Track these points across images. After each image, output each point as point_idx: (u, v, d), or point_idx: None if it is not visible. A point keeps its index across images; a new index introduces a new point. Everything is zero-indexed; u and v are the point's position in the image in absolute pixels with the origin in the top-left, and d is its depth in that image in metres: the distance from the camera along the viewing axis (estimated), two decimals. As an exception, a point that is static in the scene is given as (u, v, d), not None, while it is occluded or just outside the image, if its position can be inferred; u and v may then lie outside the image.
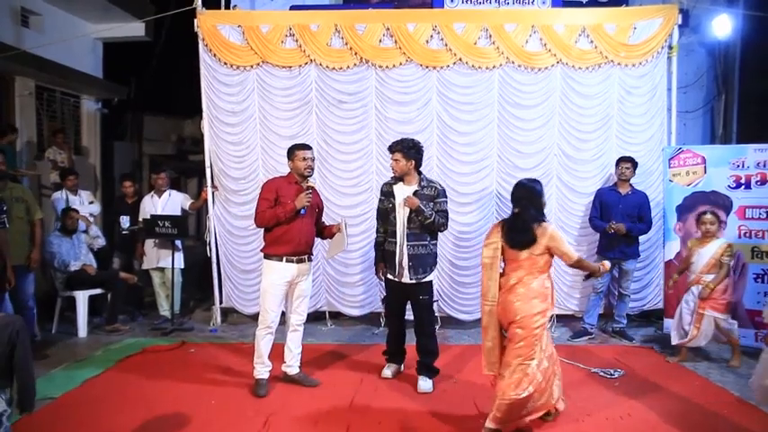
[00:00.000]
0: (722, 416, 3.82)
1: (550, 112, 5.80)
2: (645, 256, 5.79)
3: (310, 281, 4.41)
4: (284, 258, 4.10)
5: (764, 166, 5.25)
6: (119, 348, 5.21)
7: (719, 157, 5.44)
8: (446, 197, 4.33)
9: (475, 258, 5.87)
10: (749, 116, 7.03)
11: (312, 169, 4.23)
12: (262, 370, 4.17)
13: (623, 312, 5.66)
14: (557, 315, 5.95)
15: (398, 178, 4.27)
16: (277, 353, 4.28)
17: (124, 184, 6.70)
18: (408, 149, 4.18)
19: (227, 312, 6.23)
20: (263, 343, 4.15)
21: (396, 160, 4.20)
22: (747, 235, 5.21)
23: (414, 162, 4.21)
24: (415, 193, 4.16)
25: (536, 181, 3.67)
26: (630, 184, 5.49)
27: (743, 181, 5.30)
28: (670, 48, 5.82)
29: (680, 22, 5.81)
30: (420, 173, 4.31)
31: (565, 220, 5.89)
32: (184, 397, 4.06)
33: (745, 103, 7.04)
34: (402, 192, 4.23)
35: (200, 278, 7.01)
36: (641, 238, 5.58)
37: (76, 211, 6.03)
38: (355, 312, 6.00)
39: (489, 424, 3.36)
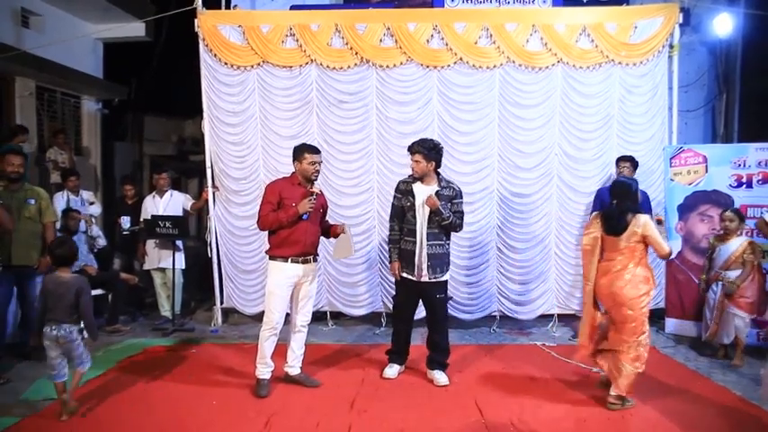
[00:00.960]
0: (724, 415, 3.81)
1: (551, 112, 5.79)
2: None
3: (315, 282, 4.39)
4: (290, 259, 4.07)
5: (766, 164, 5.24)
6: (120, 349, 5.21)
7: (721, 156, 5.43)
8: (462, 198, 4.37)
9: (476, 258, 5.87)
10: (750, 115, 7.03)
11: (318, 173, 4.23)
12: (264, 370, 4.15)
13: (625, 312, 5.64)
14: (558, 315, 5.96)
15: (417, 178, 4.27)
16: (278, 353, 4.26)
17: (125, 187, 6.72)
18: (429, 150, 4.19)
19: (228, 313, 6.23)
20: (267, 344, 4.12)
21: (416, 161, 4.20)
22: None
23: (434, 163, 4.23)
24: (436, 194, 4.18)
25: (634, 180, 4.20)
26: (631, 184, 5.47)
27: (744, 180, 5.29)
28: (671, 47, 5.81)
29: (681, 20, 5.79)
30: (438, 173, 4.32)
31: (566, 220, 5.88)
32: (185, 397, 4.06)
33: (746, 102, 7.03)
34: (422, 191, 4.24)
35: (200, 278, 7.01)
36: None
37: (78, 212, 6.03)
38: (357, 312, 5.99)
39: (615, 392, 3.85)
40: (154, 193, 6.25)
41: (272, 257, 4.12)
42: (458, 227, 4.31)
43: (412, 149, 4.23)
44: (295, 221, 4.04)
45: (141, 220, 6.14)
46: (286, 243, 4.06)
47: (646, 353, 3.86)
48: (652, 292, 3.91)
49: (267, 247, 4.18)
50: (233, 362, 4.82)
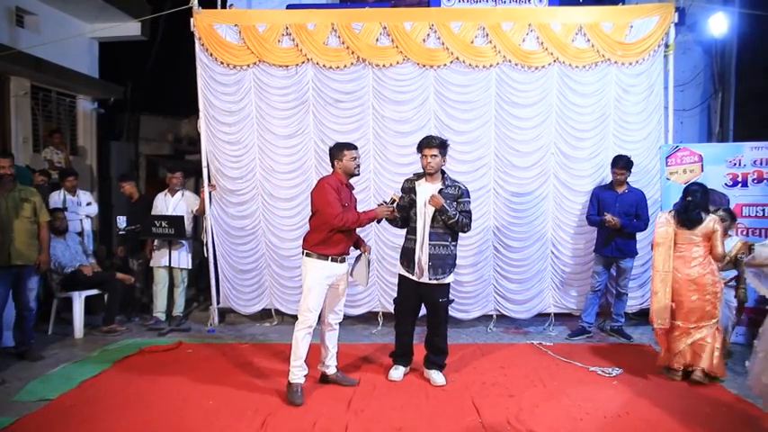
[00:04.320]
0: (720, 414, 3.83)
1: (547, 111, 5.80)
2: (642, 255, 5.79)
3: (347, 279, 4.31)
4: (330, 258, 4.05)
5: (761, 163, 5.26)
6: (116, 349, 5.19)
7: (716, 155, 5.45)
8: (469, 197, 4.33)
9: (473, 257, 5.87)
10: (746, 114, 7.04)
11: (359, 167, 4.27)
12: (300, 374, 4.01)
13: (621, 311, 5.65)
14: (555, 314, 5.97)
15: (421, 175, 4.26)
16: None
17: (121, 185, 6.67)
18: (441, 146, 4.20)
19: (225, 313, 6.21)
20: (303, 344, 4.01)
21: (434, 156, 4.17)
22: (744, 233, 5.22)
23: (444, 159, 4.25)
24: (439, 192, 4.15)
25: (704, 184, 4.61)
26: (627, 183, 5.48)
27: (740, 179, 5.31)
28: (666, 46, 5.81)
29: (676, 20, 5.79)
30: (443, 172, 4.30)
31: (562, 219, 5.89)
32: (182, 397, 4.05)
33: (741, 101, 7.04)
34: (425, 190, 4.21)
35: (197, 278, 7.01)
36: (639, 236, 5.58)
37: (62, 211, 6.03)
38: (354, 312, 5.98)
39: (700, 374, 4.28)
40: (166, 191, 6.25)
41: (310, 254, 4.05)
42: (465, 226, 4.23)
43: (429, 144, 4.18)
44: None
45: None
46: (331, 241, 4.04)
47: (720, 335, 4.40)
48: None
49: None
50: (230, 362, 4.81)
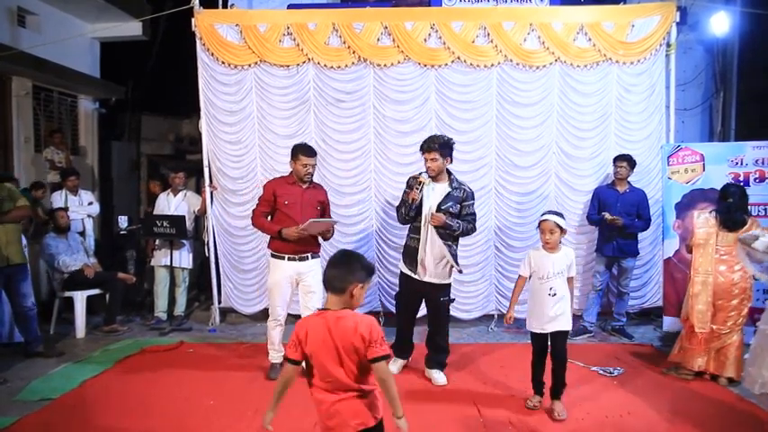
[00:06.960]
0: (721, 414, 3.82)
1: (549, 110, 5.79)
2: (644, 254, 5.79)
3: (318, 276, 4.35)
4: (286, 257, 4.27)
5: (763, 163, 5.25)
6: (117, 349, 5.19)
7: (718, 155, 5.43)
8: (474, 199, 4.33)
9: (474, 257, 5.86)
10: (747, 113, 7.04)
11: (311, 176, 4.36)
12: (274, 355, 4.41)
13: (622, 310, 5.65)
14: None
15: (432, 177, 4.19)
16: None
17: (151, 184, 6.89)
18: (443, 147, 4.13)
19: (226, 312, 6.21)
20: (274, 333, 4.41)
21: (433, 159, 4.11)
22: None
23: (449, 159, 4.20)
24: (447, 195, 4.13)
25: (743, 186, 4.62)
26: (628, 182, 5.48)
27: (741, 178, 5.29)
28: (668, 45, 5.81)
29: (678, 19, 5.79)
30: (450, 172, 4.28)
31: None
32: (183, 397, 4.05)
33: (743, 100, 7.04)
34: (432, 190, 4.17)
35: (199, 278, 7.01)
36: (640, 236, 5.58)
37: (65, 210, 6.03)
38: (354, 311, 5.98)
39: (725, 382, 4.27)
40: (168, 190, 6.28)
41: (271, 254, 4.36)
42: (470, 231, 4.27)
43: (428, 148, 4.12)
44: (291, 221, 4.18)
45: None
46: (282, 241, 4.24)
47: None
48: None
49: (266, 245, 4.30)
50: (230, 362, 4.82)
